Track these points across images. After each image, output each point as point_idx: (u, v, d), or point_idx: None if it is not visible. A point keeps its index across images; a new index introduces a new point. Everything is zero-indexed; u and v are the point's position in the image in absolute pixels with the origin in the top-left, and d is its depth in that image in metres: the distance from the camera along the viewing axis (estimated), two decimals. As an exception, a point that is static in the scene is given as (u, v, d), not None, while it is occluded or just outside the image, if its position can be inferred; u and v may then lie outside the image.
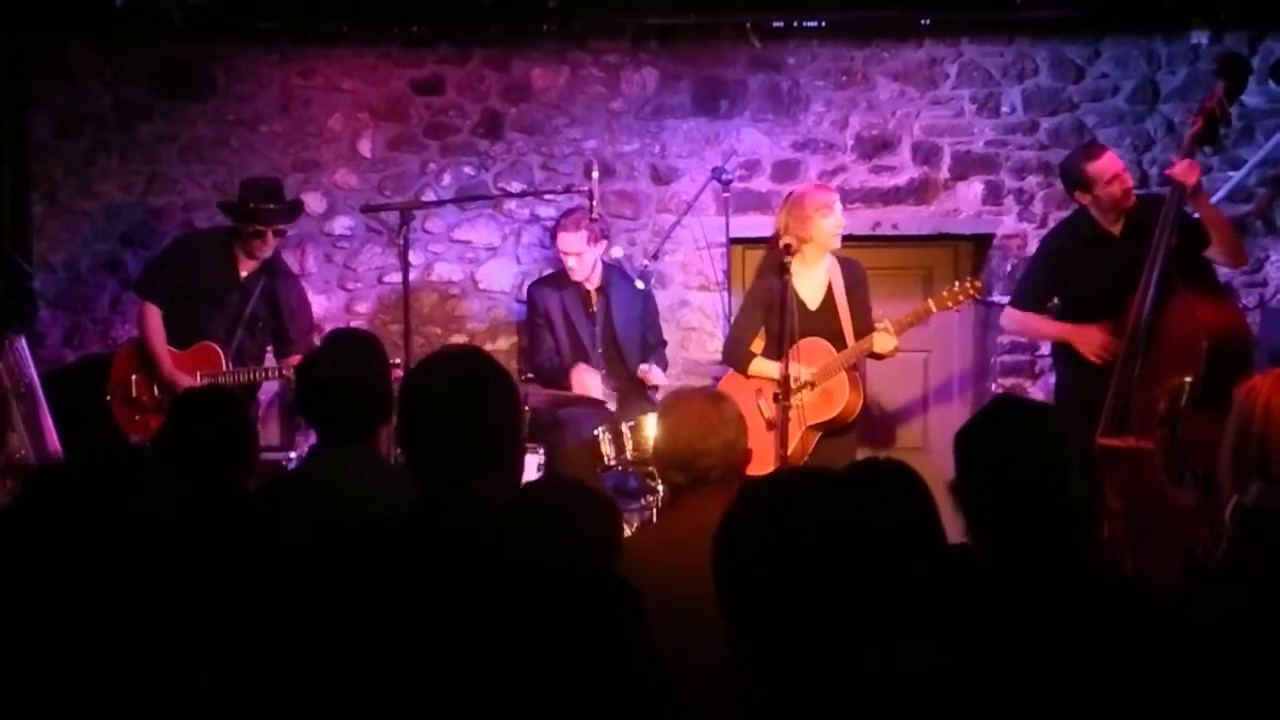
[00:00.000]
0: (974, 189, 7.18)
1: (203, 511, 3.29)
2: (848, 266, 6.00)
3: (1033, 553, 2.44)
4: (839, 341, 5.84)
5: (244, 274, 6.30)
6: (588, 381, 6.36)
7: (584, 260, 6.43)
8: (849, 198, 7.13)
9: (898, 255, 7.34)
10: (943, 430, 7.17)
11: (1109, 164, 5.61)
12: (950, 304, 5.72)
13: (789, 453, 5.57)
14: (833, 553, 1.95)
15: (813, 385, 5.72)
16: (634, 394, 6.50)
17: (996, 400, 2.71)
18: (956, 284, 5.77)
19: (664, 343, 6.78)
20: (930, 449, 7.26)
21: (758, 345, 6.06)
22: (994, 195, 7.17)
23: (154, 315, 6.23)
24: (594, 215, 6.24)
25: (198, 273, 6.28)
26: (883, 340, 5.73)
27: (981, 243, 7.27)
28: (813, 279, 5.89)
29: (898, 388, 7.29)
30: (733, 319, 6.23)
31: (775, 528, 1.99)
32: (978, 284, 5.75)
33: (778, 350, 5.92)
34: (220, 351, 6.19)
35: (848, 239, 7.08)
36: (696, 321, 7.15)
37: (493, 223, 7.25)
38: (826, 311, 5.84)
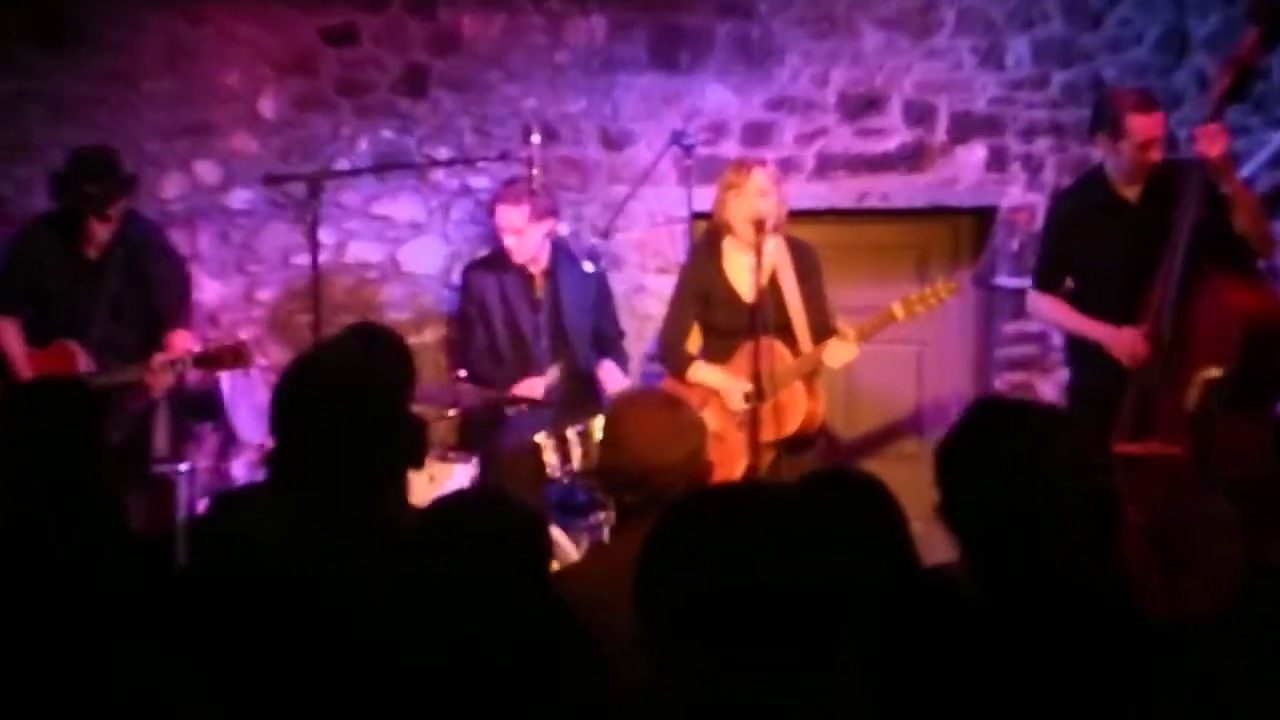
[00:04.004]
0: (975, 154, 7.20)
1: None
2: (797, 250, 5.90)
3: (1019, 575, 2.45)
4: (787, 338, 5.78)
5: (94, 254, 6.24)
6: (535, 385, 6.32)
7: (526, 239, 6.39)
8: (831, 164, 7.17)
9: (887, 231, 7.36)
10: (940, 434, 7.19)
11: (1154, 126, 5.55)
12: (920, 308, 5.61)
13: (741, 475, 5.54)
14: (770, 578, 1.94)
15: (765, 396, 5.65)
16: (583, 394, 6.49)
17: (974, 405, 2.71)
18: (928, 285, 5.70)
19: (622, 334, 6.77)
20: (927, 456, 7.25)
21: (693, 343, 6.03)
22: (998, 161, 7.20)
23: (8, 329, 6.23)
24: (535, 187, 6.22)
25: (45, 267, 6.20)
26: (839, 350, 5.61)
27: (984, 216, 7.30)
28: (747, 264, 5.77)
29: (888, 387, 7.32)
30: (665, 316, 6.18)
31: (703, 548, 1.98)
32: (952, 285, 5.69)
33: (721, 349, 5.92)
34: (77, 349, 6.11)
35: (829, 213, 7.10)
36: (655, 309, 7.13)
37: (417, 195, 7.23)
38: (771, 305, 5.74)
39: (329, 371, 3.00)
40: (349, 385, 2.91)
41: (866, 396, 7.31)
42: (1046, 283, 5.89)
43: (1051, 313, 5.94)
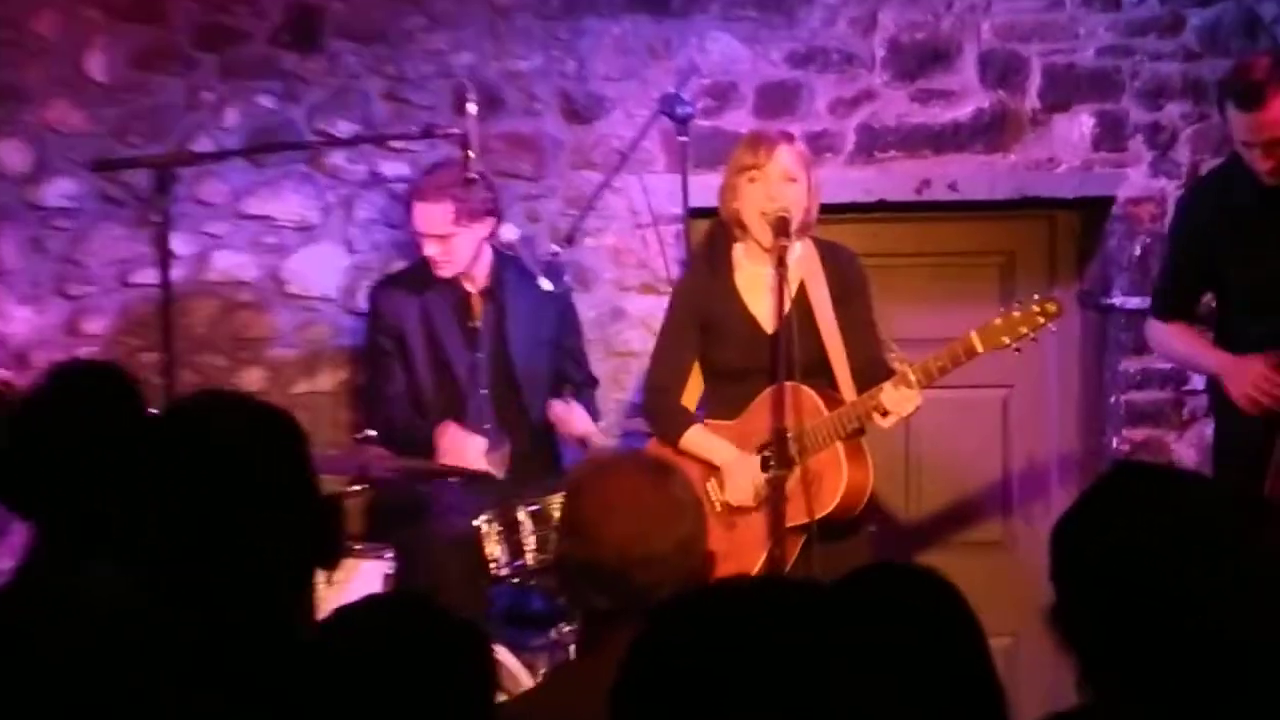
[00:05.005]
0: (1080, 126, 7.20)
1: None
2: (835, 259, 5.90)
3: (1172, 712, 2.45)
4: (822, 382, 5.75)
5: None
6: (463, 447, 6.32)
7: (453, 248, 6.39)
8: (880, 141, 7.16)
9: (958, 233, 7.39)
10: (1034, 513, 7.24)
11: (1255, 127, 5.60)
12: (1007, 338, 5.50)
13: (758, 571, 5.50)
14: (794, 709, 1.93)
15: (791, 461, 5.60)
16: (539, 460, 6.47)
17: (1114, 470, 2.69)
18: (1018, 307, 5.62)
19: (593, 380, 6.77)
20: (1014, 543, 7.33)
21: (692, 393, 5.97)
22: (1113, 135, 7.20)
23: None
24: (471, 174, 6.22)
25: None
26: (894, 398, 5.53)
27: (1094, 211, 7.31)
28: (766, 279, 5.73)
29: (962, 448, 7.33)
30: (653, 352, 6.15)
31: (702, 670, 1.97)
32: (1052, 304, 5.61)
33: (729, 399, 5.86)
34: None
35: (878, 209, 7.08)
36: (639, 342, 7.13)
37: (308, 187, 7.21)
38: (799, 335, 5.69)
39: (220, 412, 2.97)
40: (251, 435, 2.88)
41: (933, 462, 7.31)
42: (1169, 307, 5.93)
43: (1170, 344, 5.97)
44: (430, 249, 6.41)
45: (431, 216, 6.37)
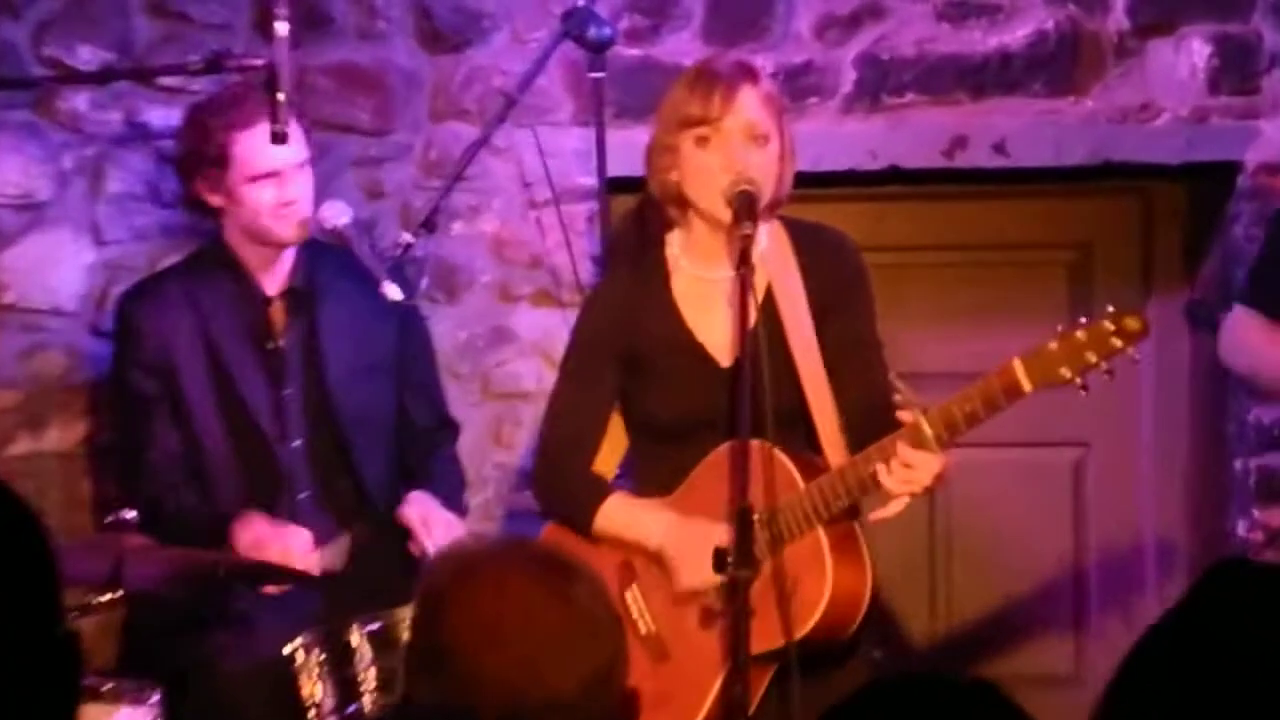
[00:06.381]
0: (1189, 57, 7.31)
1: None
2: (815, 246, 5.90)
3: None
4: (797, 436, 5.79)
5: None
6: (278, 548, 6.30)
7: (304, 182, 6.38)
8: (891, 80, 7.25)
9: (1008, 215, 7.53)
10: (1121, 632, 7.28)
11: None
12: (1067, 370, 5.32)
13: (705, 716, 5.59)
14: None
15: (757, 561, 5.53)
16: (379, 550, 6.52)
17: (1210, 575, 2.74)
18: (1083, 322, 5.52)
19: (453, 426, 6.85)
20: (1090, 677, 7.42)
21: (609, 455, 5.94)
22: (1238, 71, 7.30)
23: None
24: (280, 127, 6.17)
25: None
26: (908, 462, 5.44)
27: (1209, 183, 7.43)
28: (722, 285, 5.77)
29: (1014, 530, 7.43)
30: (551, 396, 6.10)
31: None
32: (1132, 320, 5.51)
33: (665, 466, 5.88)
34: None
35: (888, 179, 7.19)
36: (532, 378, 7.19)
37: (33, 144, 7.26)
38: (769, 371, 5.66)
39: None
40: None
41: (971, 555, 7.42)
42: (1262, 293, 6.06)
43: (1241, 340, 6.10)
44: (291, 189, 6.35)
45: (271, 147, 6.02)
